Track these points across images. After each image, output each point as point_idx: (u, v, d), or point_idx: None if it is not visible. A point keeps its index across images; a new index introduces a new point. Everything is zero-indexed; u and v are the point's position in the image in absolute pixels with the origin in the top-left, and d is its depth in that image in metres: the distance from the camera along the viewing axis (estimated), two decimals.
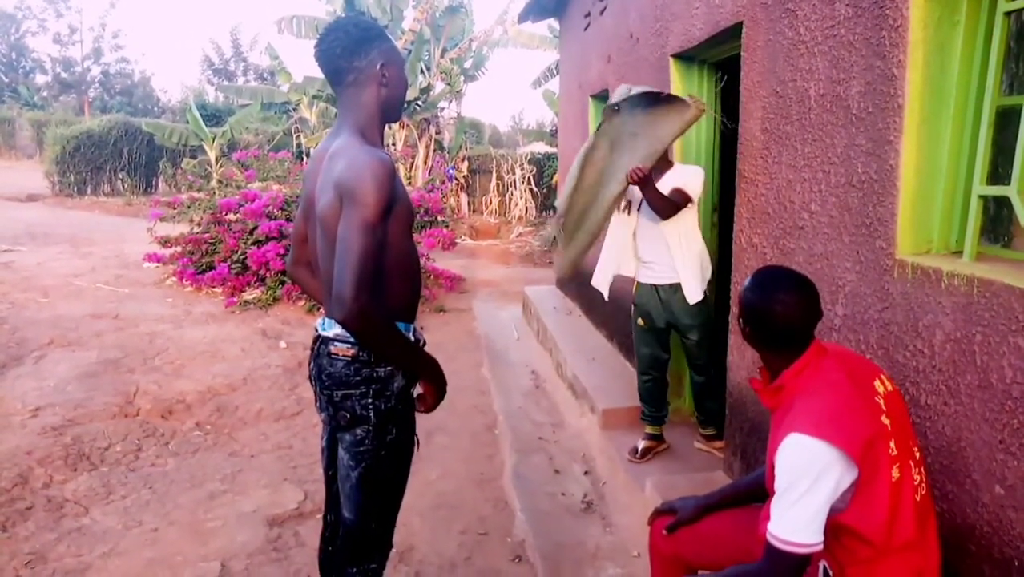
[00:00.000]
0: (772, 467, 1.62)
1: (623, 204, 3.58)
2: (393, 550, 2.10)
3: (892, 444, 1.59)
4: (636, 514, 3.27)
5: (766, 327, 1.72)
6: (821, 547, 1.54)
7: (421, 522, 3.30)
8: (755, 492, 2.01)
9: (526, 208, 16.61)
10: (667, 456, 3.70)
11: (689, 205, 3.40)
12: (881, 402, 1.65)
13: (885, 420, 1.62)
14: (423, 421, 4.42)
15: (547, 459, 4.02)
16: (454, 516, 3.38)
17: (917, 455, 1.68)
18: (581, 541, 3.16)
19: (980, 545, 1.80)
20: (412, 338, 1.95)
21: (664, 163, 3.48)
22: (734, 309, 3.21)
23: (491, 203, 16.98)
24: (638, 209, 3.55)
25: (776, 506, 1.58)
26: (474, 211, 17.06)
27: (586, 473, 3.86)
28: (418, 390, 1.99)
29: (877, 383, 1.70)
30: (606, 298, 3.81)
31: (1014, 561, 1.68)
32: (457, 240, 10.79)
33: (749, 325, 1.76)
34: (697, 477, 3.29)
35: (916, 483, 1.63)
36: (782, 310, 1.68)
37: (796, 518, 1.54)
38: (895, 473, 1.58)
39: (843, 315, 2.36)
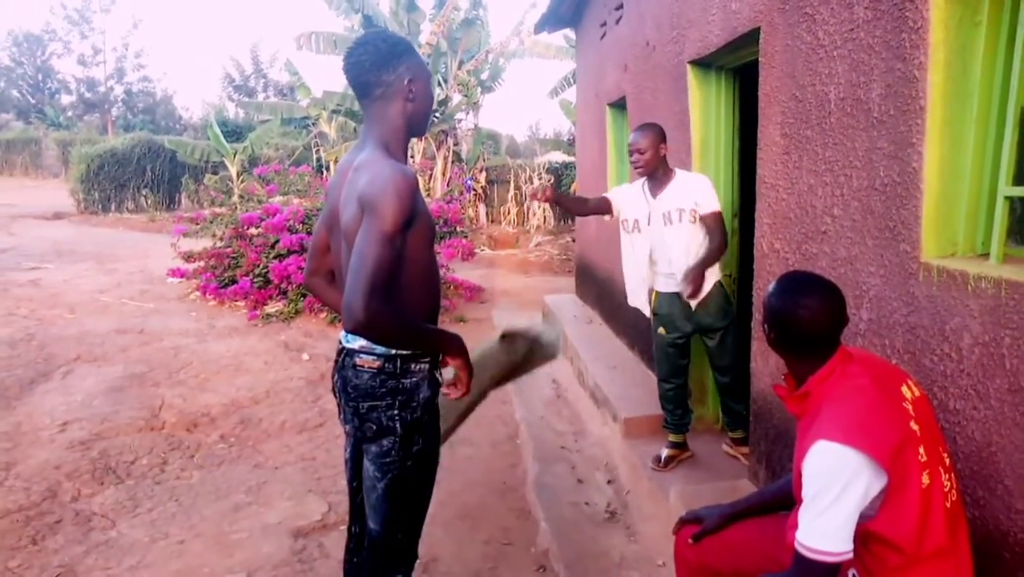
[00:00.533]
0: (799, 474, 1.60)
1: (631, 223, 3.59)
2: (418, 561, 2.09)
3: (922, 450, 1.57)
4: (660, 523, 3.25)
5: (791, 333, 1.70)
6: (851, 556, 1.52)
7: (444, 532, 3.29)
8: (781, 500, 1.99)
9: (544, 217, 16.61)
10: (691, 464, 3.67)
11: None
12: (909, 408, 1.63)
13: (914, 426, 1.60)
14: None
15: (570, 468, 4.00)
16: (477, 526, 3.38)
17: (947, 461, 1.65)
18: (605, 550, 3.14)
19: (1014, 552, 1.76)
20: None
21: (665, 171, 3.49)
22: (757, 315, 3.19)
23: (509, 213, 17.00)
24: (648, 223, 3.55)
25: (804, 514, 1.56)
26: (492, 221, 17.09)
27: (609, 482, 3.83)
28: (447, 376, 1.97)
29: (904, 388, 1.68)
30: (648, 316, 3.78)
31: None
32: (476, 250, 10.79)
33: (774, 331, 1.75)
34: (722, 485, 3.26)
35: (946, 489, 1.60)
36: (808, 315, 1.67)
37: (825, 526, 1.52)
38: (925, 480, 1.56)
39: (868, 320, 2.34)
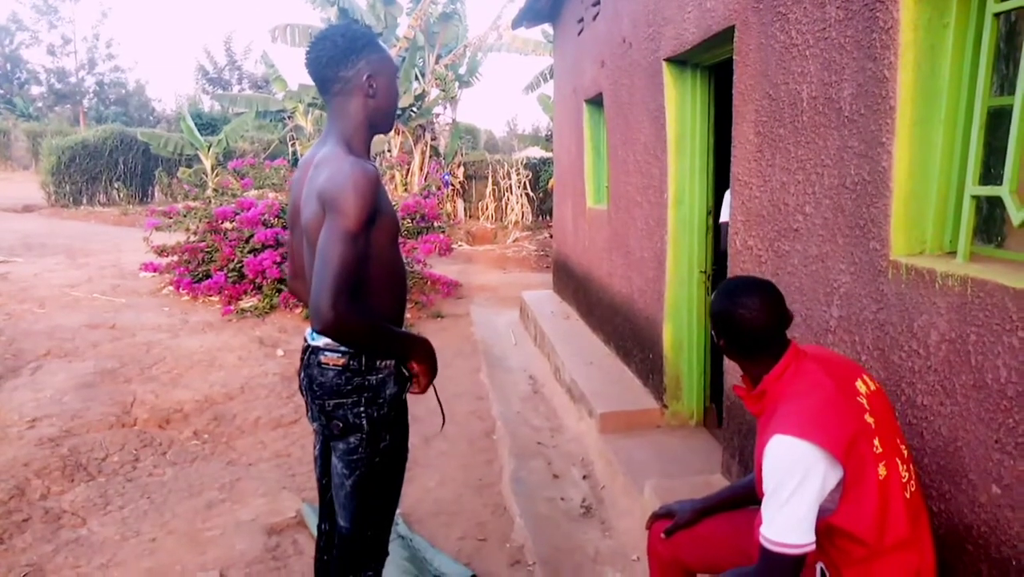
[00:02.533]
0: (760, 470, 1.63)
1: None
2: (389, 557, 2.09)
3: (876, 442, 1.61)
4: (635, 518, 3.27)
5: (738, 335, 1.76)
6: (813, 547, 1.55)
7: (420, 528, 3.29)
8: (752, 494, 2.01)
9: (522, 213, 16.64)
10: (666, 459, 3.70)
11: None
12: (864, 401, 1.67)
13: (868, 418, 1.64)
14: (421, 427, 4.41)
15: (546, 464, 4.02)
16: (453, 522, 3.38)
17: (905, 452, 1.69)
18: (580, 545, 3.16)
19: (977, 545, 1.80)
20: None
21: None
22: None
23: (487, 208, 17.01)
24: None
25: (766, 509, 1.59)
26: (470, 216, 17.08)
27: (585, 477, 3.85)
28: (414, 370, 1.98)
29: (859, 383, 1.72)
30: None
31: (1011, 560, 1.68)
32: (454, 246, 10.79)
33: (722, 336, 1.81)
34: (696, 480, 3.29)
35: (904, 480, 1.64)
36: (747, 315, 1.72)
37: (786, 519, 1.55)
38: (882, 471, 1.60)
39: (838, 316, 2.37)
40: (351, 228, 1.68)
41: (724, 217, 3.41)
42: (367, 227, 1.72)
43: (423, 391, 1.98)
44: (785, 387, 1.69)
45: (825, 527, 1.59)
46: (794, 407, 1.62)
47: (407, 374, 1.95)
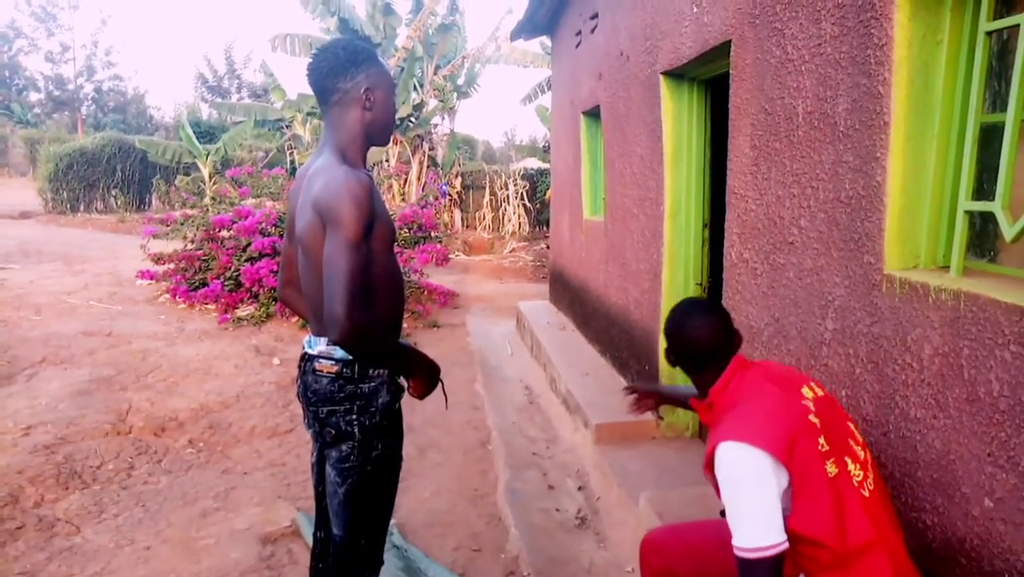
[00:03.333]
0: (716, 482, 1.68)
1: None
2: (384, 566, 2.09)
3: (822, 440, 1.65)
4: (630, 529, 3.27)
5: (684, 351, 1.87)
6: (787, 545, 1.57)
7: (414, 539, 3.29)
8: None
9: (519, 223, 16.67)
10: (661, 471, 3.71)
11: None
12: (809, 404, 1.72)
13: (813, 418, 1.68)
14: (416, 437, 4.41)
15: (541, 474, 4.02)
16: (447, 533, 3.37)
17: (861, 455, 1.73)
18: (575, 557, 3.16)
19: (970, 558, 1.80)
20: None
21: None
22: None
23: (484, 218, 17.04)
24: None
25: (730, 520, 1.61)
26: (467, 226, 17.12)
27: (580, 488, 3.85)
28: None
29: (805, 389, 1.77)
30: None
31: (1004, 574, 1.69)
32: (451, 255, 10.80)
33: (671, 352, 1.92)
34: (691, 492, 3.30)
35: (859, 479, 1.66)
36: (694, 334, 1.84)
37: (752, 524, 1.57)
38: (831, 468, 1.63)
39: (833, 329, 2.38)
40: (353, 238, 1.70)
41: None
42: (368, 235, 1.75)
43: (420, 398, 2.05)
44: (729, 397, 1.78)
45: (789, 532, 1.61)
46: (736, 414, 1.69)
47: (400, 384, 1.97)
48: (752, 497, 1.57)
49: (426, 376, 2.00)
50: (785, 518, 1.61)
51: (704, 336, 1.83)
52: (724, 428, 1.67)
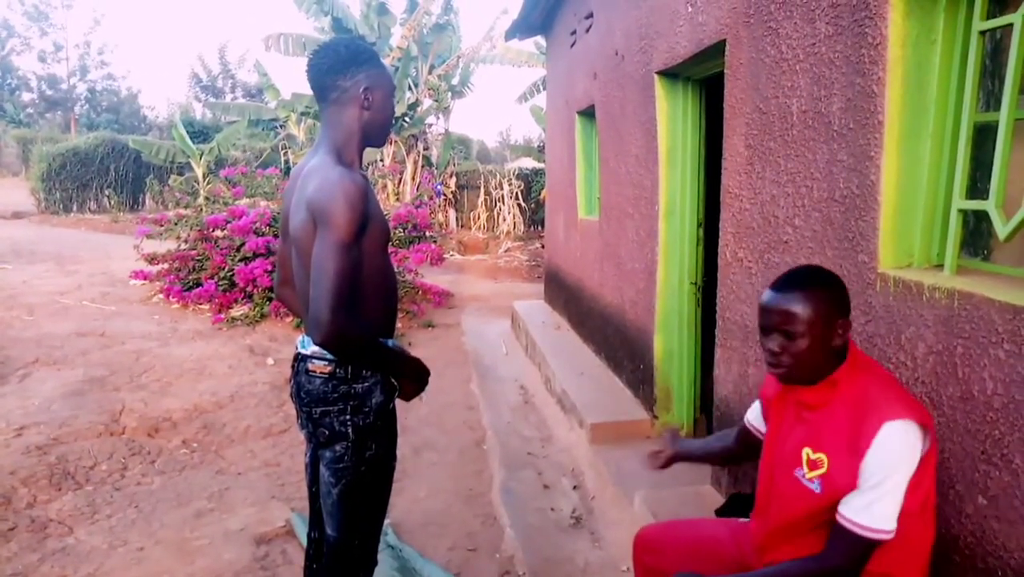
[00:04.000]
0: (841, 467, 1.61)
1: None
2: (378, 566, 2.09)
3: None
4: (625, 529, 3.27)
5: (844, 323, 1.67)
6: (894, 535, 1.57)
7: (410, 539, 3.28)
8: (721, 455, 2.22)
9: (514, 223, 16.66)
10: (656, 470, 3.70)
11: None
12: None
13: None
14: (411, 437, 4.40)
15: (536, 474, 4.02)
16: (443, 532, 3.37)
17: None
18: (570, 556, 3.15)
19: (964, 556, 1.81)
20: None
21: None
22: (721, 323, 3.24)
23: (479, 218, 17.03)
24: None
25: (862, 496, 1.57)
26: (462, 226, 17.10)
27: (575, 488, 3.85)
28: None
29: None
30: None
31: (997, 571, 1.70)
32: (445, 255, 10.79)
33: (839, 319, 1.67)
34: (686, 491, 3.30)
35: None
36: (846, 294, 1.72)
37: (886, 506, 1.56)
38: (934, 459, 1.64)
39: None
40: (343, 239, 1.69)
41: None
42: (359, 237, 1.74)
43: (407, 400, 2.06)
44: (859, 373, 1.67)
45: None
46: (883, 391, 1.62)
47: (394, 384, 1.97)
48: (901, 480, 1.56)
49: (413, 377, 1.99)
50: None
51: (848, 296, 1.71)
52: (879, 406, 1.58)
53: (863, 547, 1.57)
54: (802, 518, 1.71)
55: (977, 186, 1.97)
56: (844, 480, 1.61)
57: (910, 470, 1.56)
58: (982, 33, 1.90)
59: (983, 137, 1.94)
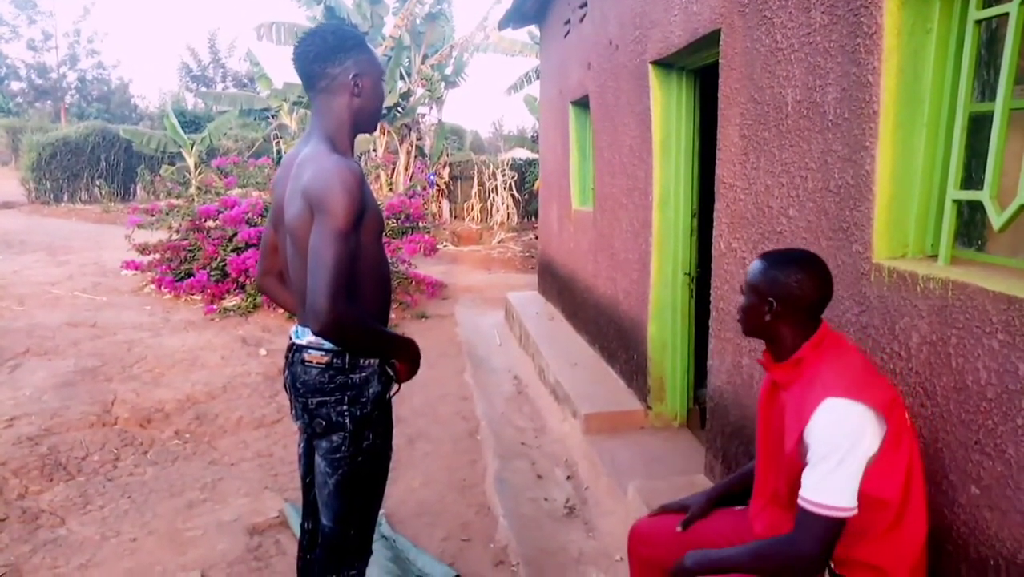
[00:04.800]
0: (798, 439, 1.65)
1: None
2: (372, 556, 2.09)
3: (907, 414, 1.68)
4: (619, 518, 3.28)
5: (797, 302, 1.75)
6: (856, 512, 1.57)
7: (403, 529, 3.28)
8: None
9: (508, 214, 16.64)
10: (650, 460, 3.71)
11: None
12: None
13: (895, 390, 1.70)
14: (405, 428, 4.40)
15: (530, 464, 4.02)
16: (436, 522, 3.37)
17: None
18: (564, 546, 3.16)
19: (957, 545, 1.82)
20: None
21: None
22: (715, 313, 3.24)
23: (473, 209, 17.00)
24: None
25: (813, 473, 1.60)
26: (456, 217, 17.07)
27: (568, 478, 3.86)
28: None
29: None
30: None
31: (990, 560, 1.70)
32: (439, 246, 10.77)
33: (779, 303, 1.76)
34: (679, 481, 3.30)
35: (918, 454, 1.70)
36: (811, 284, 1.74)
37: (837, 482, 1.57)
38: (908, 442, 1.65)
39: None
40: (341, 228, 1.68)
41: None
42: (356, 225, 1.73)
43: (398, 388, 2.04)
44: (824, 354, 1.72)
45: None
46: (840, 371, 1.66)
47: (391, 373, 1.95)
48: (848, 456, 1.56)
49: (409, 359, 1.99)
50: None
51: (820, 288, 1.75)
52: (829, 384, 1.63)
53: (823, 527, 1.58)
54: (785, 490, 1.77)
55: (972, 176, 1.97)
56: (796, 453, 1.66)
57: (861, 450, 1.58)
58: (978, 22, 1.89)
59: (978, 127, 1.93)
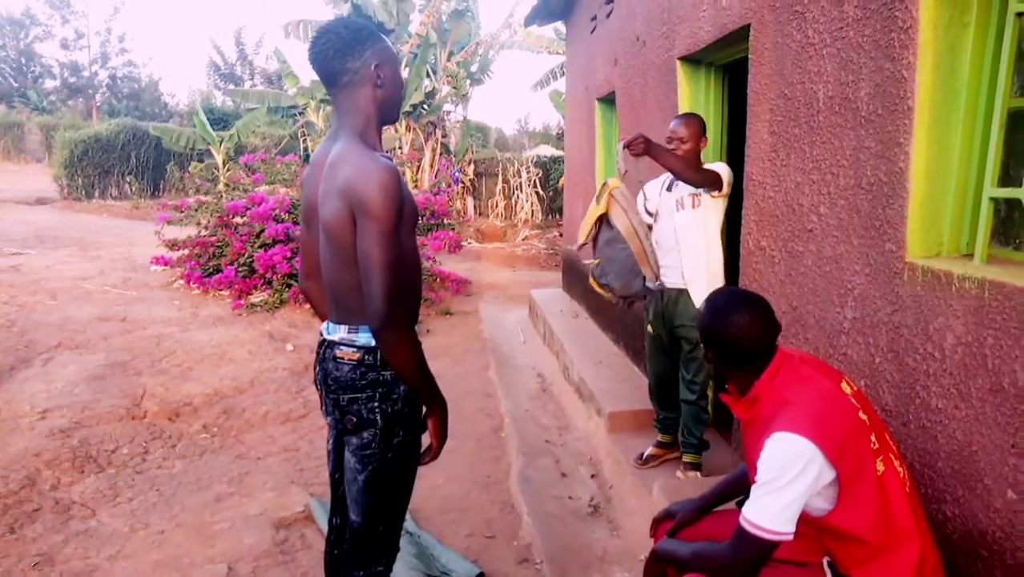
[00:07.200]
0: (755, 469, 1.67)
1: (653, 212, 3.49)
2: (399, 553, 2.09)
3: (873, 438, 1.65)
4: (643, 517, 3.25)
5: (728, 349, 1.78)
6: (790, 537, 1.58)
7: (428, 525, 3.29)
8: (744, 485, 2.05)
9: (532, 211, 16.61)
10: (674, 460, 3.68)
11: (714, 200, 3.20)
12: (853, 400, 1.70)
13: (862, 416, 1.67)
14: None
15: (554, 462, 4.01)
16: (461, 519, 3.38)
17: (896, 449, 1.72)
18: (588, 544, 3.15)
19: (992, 550, 1.78)
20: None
21: (697, 164, 3.24)
22: None
23: (497, 206, 17.00)
24: (659, 213, 3.44)
25: (755, 493, 1.63)
26: (480, 214, 17.08)
27: (593, 476, 3.84)
28: (424, 443, 1.99)
29: (843, 384, 1.74)
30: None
31: None
32: (463, 243, 10.81)
33: (711, 350, 1.82)
34: (705, 481, 3.28)
35: (902, 475, 1.66)
36: (740, 332, 1.74)
37: (771, 505, 1.59)
38: (879, 466, 1.62)
39: (852, 318, 2.35)
40: (387, 229, 1.68)
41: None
42: (400, 224, 1.73)
43: (434, 458, 2.00)
44: (778, 389, 1.72)
45: (827, 526, 1.64)
46: (792, 406, 1.65)
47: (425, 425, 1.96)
48: (789, 485, 1.58)
49: (440, 414, 1.93)
50: (827, 512, 1.64)
51: (753, 331, 1.73)
52: (780, 419, 1.64)
53: (753, 546, 1.60)
54: None
55: (1009, 174, 1.93)
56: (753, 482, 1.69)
57: (804, 482, 1.58)
58: (1019, 15, 1.85)
59: (1017, 123, 1.89)
